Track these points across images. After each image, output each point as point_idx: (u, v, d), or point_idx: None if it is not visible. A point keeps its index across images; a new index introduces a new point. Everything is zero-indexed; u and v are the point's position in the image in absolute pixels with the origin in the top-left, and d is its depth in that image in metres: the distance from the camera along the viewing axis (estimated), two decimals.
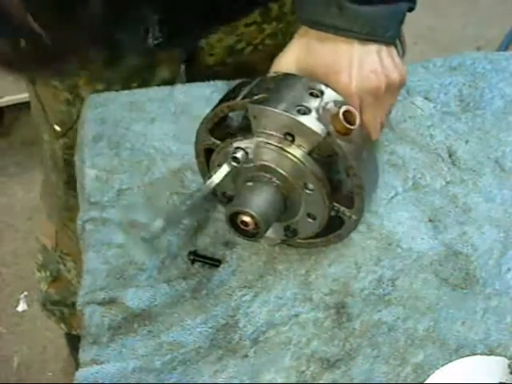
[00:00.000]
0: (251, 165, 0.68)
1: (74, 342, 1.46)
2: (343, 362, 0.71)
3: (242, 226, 0.65)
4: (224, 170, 0.68)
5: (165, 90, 0.91)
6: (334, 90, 0.68)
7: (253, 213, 0.64)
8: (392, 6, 0.70)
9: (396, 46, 0.75)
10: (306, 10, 0.72)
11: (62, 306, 1.36)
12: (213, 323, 0.72)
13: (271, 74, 0.72)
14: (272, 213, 0.67)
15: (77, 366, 0.71)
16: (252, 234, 0.66)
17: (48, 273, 1.32)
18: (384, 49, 0.71)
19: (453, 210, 0.82)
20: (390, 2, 0.69)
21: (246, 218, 0.64)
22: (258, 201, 0.66)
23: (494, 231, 0.80)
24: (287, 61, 0.74)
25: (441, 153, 0.87)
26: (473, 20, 2.34)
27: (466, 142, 0.88)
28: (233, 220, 0.66)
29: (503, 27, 2.23)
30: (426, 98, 0.91)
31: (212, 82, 0.91)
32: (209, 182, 0.68)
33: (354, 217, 0.70)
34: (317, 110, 0.64)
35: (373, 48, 0.70)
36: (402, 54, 0.80)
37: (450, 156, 0.87)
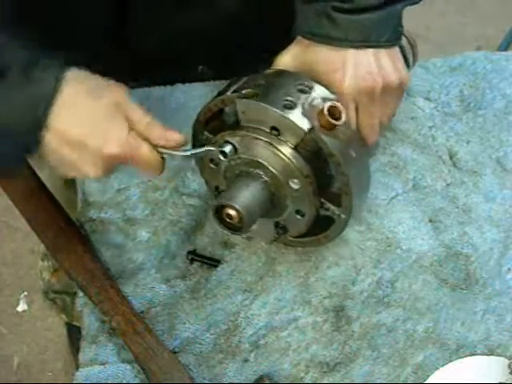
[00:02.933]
0: (239, 159, 0.68)
1: (73, 333, 1.47)
2: (343, 366, 0.71)
3: (227, 219, 0.66)
4: (203, 149, 0.69)
5: (165, 89, 0.91)
6: (328, 88, 0.68)
7: (237, 206, 0.64)
8: (385, 10, 0.69)
9: (402, 48, 0.75)
10: (301, 21, 0.72)
11: (63, 294, 1.37)
12: (215, 329, 0.72)
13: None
14: (257, 207, 0.67)
15: (77, 365, 0.71)
16: (236, 228, 0.66)
17: (50, 262, 1.32)
18: (383, 51, 0.71)
19: (453, 210, 0.82)
20: (381, 7, 0.69)
21: (231, 212, 0.65)
22: (244, 195, 0.66)
23: (495, 231, 0.80)
24: (286, 59, 0.74)
25: (442, 155, 0.86)
26: (473, 20, 2.34)
27: (468, 142, 0.88)
28: (219, 213, 0.66)
29: (503, 27, 2.23)
30: (426, 99, 0.91)
31: (212, 82, 0.91)
32: (183, 152, 0.68)
33: (342, 216, 0.70)
34: (302, 105, 0.64)
35: (369, 51, 0.70)
36: (413, 56, 0.79)
37: (451, 158, 0.86)
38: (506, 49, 2.15)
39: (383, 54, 0.71)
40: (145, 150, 0.64)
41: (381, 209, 0.81)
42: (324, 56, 0.70)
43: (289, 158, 0.65)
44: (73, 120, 0.62)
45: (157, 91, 0.91)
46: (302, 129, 0.64)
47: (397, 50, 0.73)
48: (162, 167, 0.67)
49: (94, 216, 0.79)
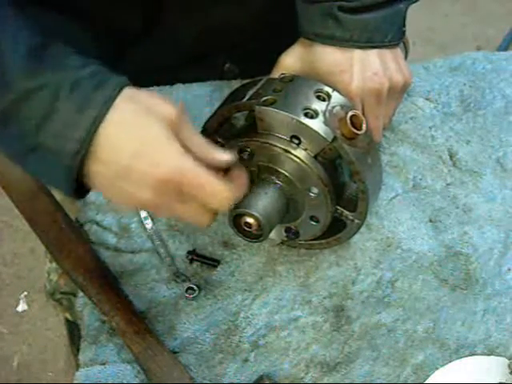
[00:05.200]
0: (256, 166, 0.67)
1: (74, 333, 1.47)
2: (343, 366, 0.71)
3: (245, 228, 0.65)
4: None
5: (165, 89, 0.91)
6: (338, 90, 0.67)
7: (257, 214, 0.63)
8: (389, 9, 0.69)
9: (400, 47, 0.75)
10: (305, 22, 0.72)
11: (70, 295, 1.37)
12: (215, 329, 0.72)
13: (278, 75, 0.72)
14: (275, 215, 0.66)
15: (77, 365, 0.71)
16: (255, 236, 0.66)
17: None
18: (387, 52, 0.71)
19: (453, 210, 0.82)
20: (385, 6, 0.69)
21: (250, 220, 0.64)
22: (262, 202, 0.65)
23: (495, 231, 0.80)
24: (291, 60, 0.74)
25: (442, 155, 0.86)
26: (473, 20, 2.34)
27: (468, 142, 0.88)
28: (236, 221, 0.65)
29: (503, 27, 2.23)
30: (426, 99, 0.91)
31: (213, 82, 0.91)
32: None
33: (356, 220, 0.70)
34: (324, 114, 0.64)
35: (374, 52, 0.70)
36: (405, 53, 0.80)
37: (451, 158, 0.86)
38: (505, 49, 2.16)
39: (387, 54, 0.71)
40: (201, 175, 0.56)
41: (381, 209, 0.81)
42: (330, 57, 0.70)
43: (310, 167, 0.65)
44: (121, 142, 0.54)
45: (156, 92, 0.90)
46: (325, 139, 0.63)
47: (399, 49, 0.73)
48: (227, 201, 0.57)
49: (93, 216, 0.79)
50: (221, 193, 0.57)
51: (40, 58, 0.53)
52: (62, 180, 0.55)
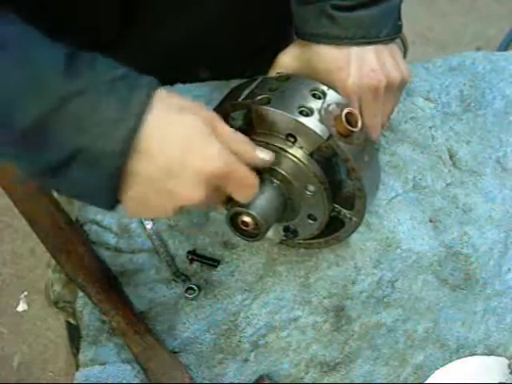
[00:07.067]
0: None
1: (74, 333, 1.47)
2: (343, 366, 0.71)
3: (242, 227, 0.65)
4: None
5: (164, 89, 0.91)
6: (334, 88, 0.67)
7: (254, 213, 0.63)
8: (383, 4, 0.69)
9: (398, 45, 0.75)
10: (299, 22, 0.72)
11: (74, 304, 1.37)
12: (215, 329, 0.73)
13: (274, 74, 0.72)
14: (273, 213, 0.66)
15: (77, 365, 0.71)
16: (252, 235, 0.66)
17: (63, 275, 1.32)
18: (383, 48, 0.71)
19: (453, 210, 0.82)
20: (380, 2, 0.69)
21: (247, 219, 0.64)
22: (259, 201, 0.65)
23: (495, 231, 0.80)
24: (288, 59, 0.74)
25: (442, 155, 0.86)
26: (472, 20, 2.34)
27: (468, 142, 0.88)
28: (233, 220, 0.66)
29: (503, 27, 2.23)
30: (426, 99, 0.91)
31: (212, 82, 0.91)
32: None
33: (354, 219, 0.70)
34: (319, 112, 0.64)
35: (371, 48, 0.70)
36: (404, 52, 0.80)
37: (451, 158, 0.86)
38: (505, 49, 2.15)
39: (384, 50, 0.70)
40: (242, 168, 0.58)
41: (381, 209, 0.81)
42: (327, 55, 0.70)
43: (306, 165, 0.65)
44: (166, 138, 0.54)
45: None
46: (321, 136, 0.63)
47: (396, 45, 0.73)
48: (255, 190, 0.61)
49: (93, 216, 0.79)
50: (254, 188, 0.60)
51: (75, 64, 0.53)
52: (103, 187, 0.54)
